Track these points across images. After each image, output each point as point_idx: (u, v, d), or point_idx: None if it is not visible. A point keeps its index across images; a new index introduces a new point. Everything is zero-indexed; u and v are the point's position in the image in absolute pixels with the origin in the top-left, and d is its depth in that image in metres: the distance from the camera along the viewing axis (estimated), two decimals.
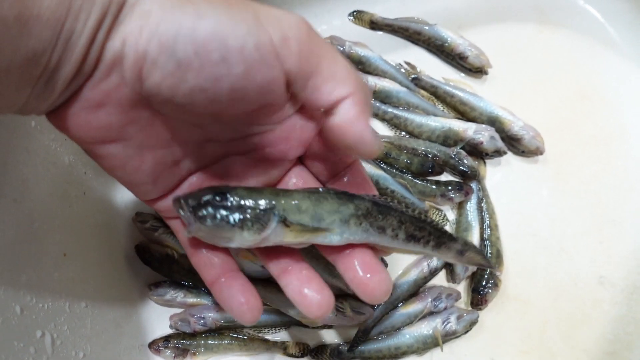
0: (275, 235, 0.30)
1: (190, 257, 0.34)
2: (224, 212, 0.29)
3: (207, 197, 0.29)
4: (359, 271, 0.31)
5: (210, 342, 0.54)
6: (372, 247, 0.33)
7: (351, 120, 0.27)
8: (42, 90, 0.24)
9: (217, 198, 0.29)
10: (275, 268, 0.33)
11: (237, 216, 0.29)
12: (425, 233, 0.33)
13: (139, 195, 0.32)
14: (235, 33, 0.23)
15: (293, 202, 0.30)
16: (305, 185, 0.34)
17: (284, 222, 0.30)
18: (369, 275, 0.31)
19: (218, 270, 0.33)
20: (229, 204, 0.29)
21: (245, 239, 0.30)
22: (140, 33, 0.23)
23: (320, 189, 0.32)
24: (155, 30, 0.23)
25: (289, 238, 0.30)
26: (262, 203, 0.30)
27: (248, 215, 0.29)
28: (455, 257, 0.36)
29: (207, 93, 0.24)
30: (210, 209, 0.29)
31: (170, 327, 0.54)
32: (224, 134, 0.30)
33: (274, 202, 0.30)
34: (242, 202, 0.30)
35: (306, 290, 0.31)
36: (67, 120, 0.25)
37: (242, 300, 0.31)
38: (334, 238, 0.31)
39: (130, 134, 0.27)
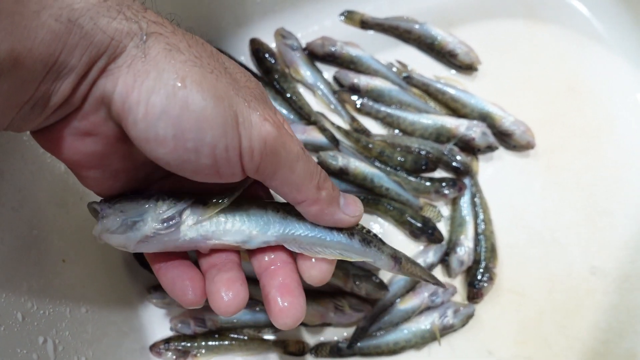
0: (194, 214, 0.30)
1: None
2: (138, 194, 0.30)
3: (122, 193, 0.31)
4: (275, 290, 0.31)
5: (210, 343, 0.54)
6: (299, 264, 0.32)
7: (315, 217, 0.31)
8: (28, 114, 0.24)
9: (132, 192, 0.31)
10: (206, 263, 0.32)
11: (152, 193, 0.30)
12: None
13: None
14: (213, 131, 0.25)
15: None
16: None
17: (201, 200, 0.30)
18: (281, 297, 0.30)
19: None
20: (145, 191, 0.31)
21: (161, 214, 0.29)
22: (132, 90, 0.24)
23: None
24: (146, 98, 0.24)
25: (208, 213, 0.30)
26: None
27: (164, 193, 0.31)
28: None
29: (171, 166, 0.26)
30: (124, 196, 0.30)
31: (171, 329, 0.55)
32: None
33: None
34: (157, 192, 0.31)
35: (222, 292, 0.30)
36: (53, 142, 0.27)
37: (186, 283, 0.31)
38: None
39: (109, 161, 0.29)
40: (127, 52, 0.24)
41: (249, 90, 0.29)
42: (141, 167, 0.31)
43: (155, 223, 0.29)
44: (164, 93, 0.24)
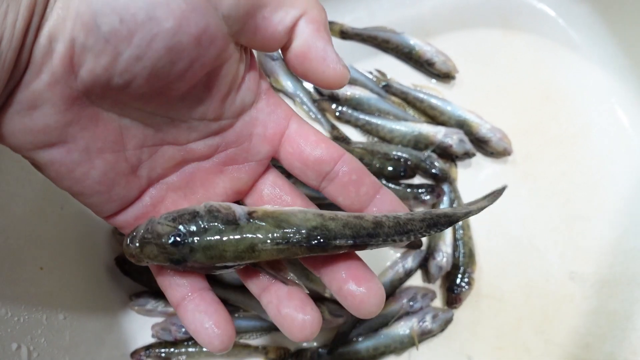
0: None
1: (156, 276, 0.31)
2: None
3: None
4: (346, 281, 0.28)
5: (191, 349, 0.55)
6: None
7: (308, 40, 0.26)
8: None
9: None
10: (256, 287, 0.31)
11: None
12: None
13: (95, 209, 0.29)
14: None
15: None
16: (279, 197, 0.32)
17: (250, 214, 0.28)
18: (355, 286, 0.28)
19: (185, 289, 0.30)
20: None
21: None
22: (64, 23, 0.22)
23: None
24: (76, 14, 0.22)
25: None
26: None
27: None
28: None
29: (143, 61, 0.23)
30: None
31: (152, 336, 0.55)
32: (180, 135, 0.29)
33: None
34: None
35: (286, 310, 0.28)
36: (2, 127, 0.24)
37: (209, 324, 0.28)
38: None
39: (72, 135, 0.25)
40: None
41: None
42: (116, 148, 0.27)
43: None
44: None
